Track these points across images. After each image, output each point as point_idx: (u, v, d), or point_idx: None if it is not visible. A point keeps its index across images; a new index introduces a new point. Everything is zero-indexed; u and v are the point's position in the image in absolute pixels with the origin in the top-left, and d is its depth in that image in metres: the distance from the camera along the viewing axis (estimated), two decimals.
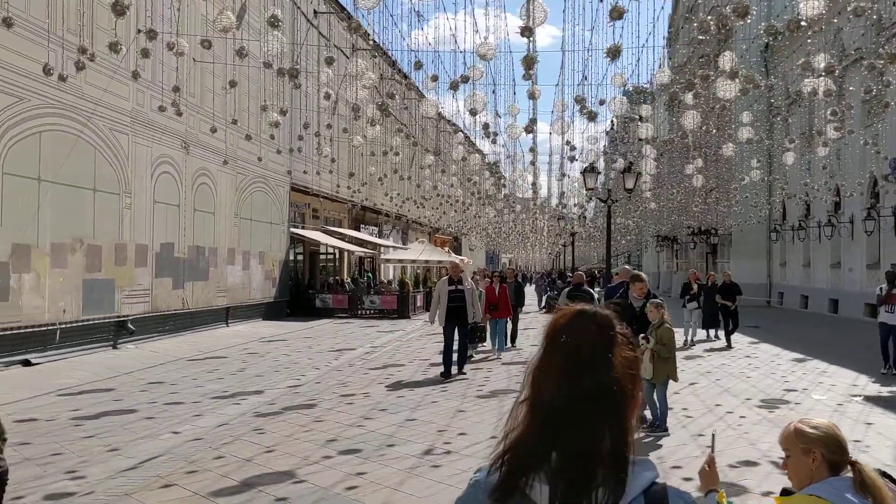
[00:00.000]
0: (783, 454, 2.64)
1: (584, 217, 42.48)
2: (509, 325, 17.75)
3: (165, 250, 19.71)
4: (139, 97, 18.05)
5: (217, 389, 12.15)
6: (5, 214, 13.76)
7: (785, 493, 2.62)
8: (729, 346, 18.23)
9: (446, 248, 42.19)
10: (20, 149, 14.13)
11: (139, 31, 13.22)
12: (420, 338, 20.81)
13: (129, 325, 17.66)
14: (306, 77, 15.37)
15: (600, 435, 1.40)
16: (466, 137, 30.61)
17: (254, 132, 21.19)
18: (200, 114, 20.93)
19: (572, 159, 20.91)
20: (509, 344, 17.87)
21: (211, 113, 21.18)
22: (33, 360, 14.15)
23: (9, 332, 13.84)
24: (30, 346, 14.37)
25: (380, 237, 41.01)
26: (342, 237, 33.54)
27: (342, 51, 25.03)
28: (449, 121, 30.56)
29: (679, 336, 17.56)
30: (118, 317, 17.42)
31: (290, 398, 11.35)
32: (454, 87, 12.52)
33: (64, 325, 15.38)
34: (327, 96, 15.24)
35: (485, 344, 16.59)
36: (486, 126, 16.74)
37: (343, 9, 27.95)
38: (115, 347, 17.08)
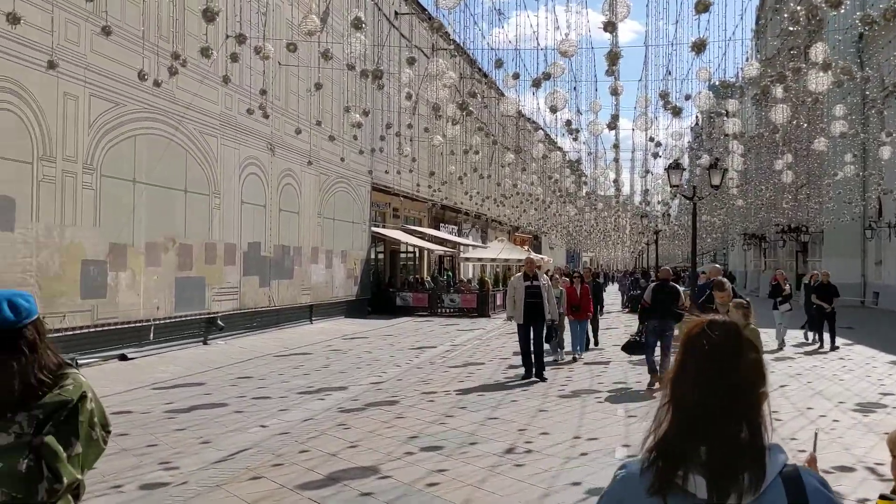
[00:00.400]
0: (882, 459, 2.55)
1: (668, 215, 41.63)
2: (590, 327, 17.55)
3: (252, 249, 20.26)
4: (227, 101, 18.61)
5: (302, 385, 12.42)
6: (103, 215, 14.39)
7: (884, 498, 2.52)
8: (834, 347, 17.49)
9: (526, 247, 42.02)
10: (117, 152, 14.75)
11: (228, 36, 13.62)
12: (500, 336, 20.79)
13: (219, 322, 18.25)
14: (389, 78, 15.55)
15: (738, 428, 1.63)
16: (547, 135, 30.38)
17: (336, 133, 21.57)
18: (285, 116, 21.42)
19: (656, 156, 20.51)
20: (592, 345, 17.65)
21: (295, 115, 21.68)
22: (129, 355, 14.75)
23: (107, 329, 14.47)
24: (126, 342, 14.99)
25: (459, 236, 41.14)
26: (422, 236, 33.78)
27: (422, 51, 25.20)
28: (529, 119, 30.40)
29: (770, 339, 17.11)
30: (208, 314, 18.01)
31: (372, 395, 11.51)
32: (536, 84, 12.44)
33: (158, 322, 15.99)
34: (408, 96, 15.39)
35: (561, 350, 16.14)
36: (567, 123, 16.60)
37: (424, 9, 28.15)
38: (205, 343, 17.66)
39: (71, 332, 13.22)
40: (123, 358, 14.60)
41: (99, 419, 2.60)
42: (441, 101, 14.44)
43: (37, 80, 12.65)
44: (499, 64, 13.00)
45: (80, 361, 12.76)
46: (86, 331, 13.85)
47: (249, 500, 6.25)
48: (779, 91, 12.97)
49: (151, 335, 15.77)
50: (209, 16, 10.11)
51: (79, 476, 2.50)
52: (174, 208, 16.72)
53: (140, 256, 15.51)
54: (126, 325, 15.03)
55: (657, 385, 11.81)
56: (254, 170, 20.32)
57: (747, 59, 15.54)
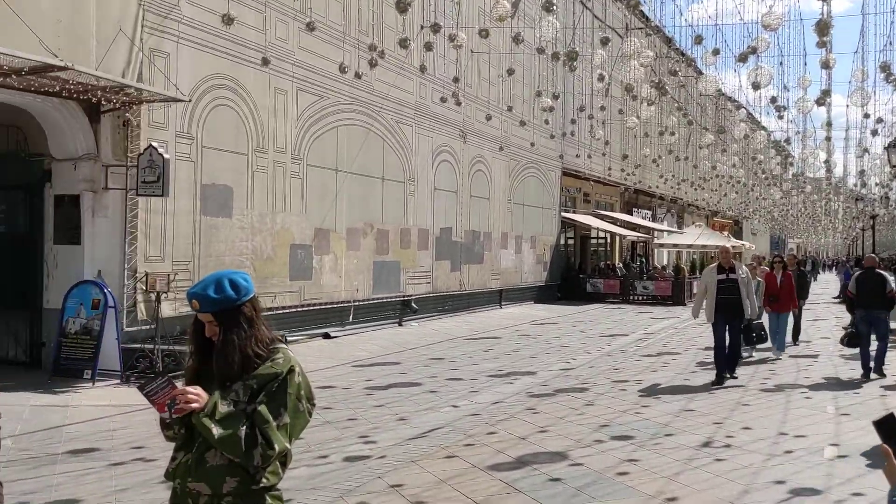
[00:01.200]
0: None
1: (888, 198, 38.03)
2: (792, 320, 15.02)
3: (444, 234, 20.79)
4: (422, 90, 19.16)
5: (492, 368, 12.60)
6: (309, 202, 15.33)
7: None
8: None
9: (725, 233, 40.02)
10: (320, 143, 15.64)
11: (422, 26, 14.01)
12: (696, 326, 19.95)
13: (413, 305, 18.92)
14: (581, 61, 15.34)
15: None
16: (749, 114, 28.72)
17: (527, 118, 21.59)
18: (476, 103, 21.74)
19: (875, 133, 18.77)
20: (790, 340, 15.05)
21: (486, 102, 21.94)
22: (332, 334, 15.66)
23: (313, 308, 15.44)
24: (329, 321, 15.93)
25: (653, 221, 39.92)
26: (614, 221, 33.12)
27: (616, 31, 24.62)
28: (730, 97, 28.87)
29: None
30: (403, 296, 18.73)
31: (561, 380, 11.46)
32: (742, 59, 11.77)
33: (357, 303, 16.85)
34: (601, 78, 15.10)
35: (753, 347, 13.66)
36: (772, 100, 15.61)
37: None
38: (400, 325, 18.39)
39: (281, 311, 14.22)
40: (327, 336, 15.51)
41: (305, 392, 2.77)
42: (635, 82, 14.04)
43: (251, 77, 13.66)
44: (698, 40, 12.45)
45: (288, 338, 13.71)
46: (294, 310, 14.85)
47: (443, 478, 6.43)
48: None
49: (351, 315, 16.65)
50: (402, 6, 10.45)
51: (287, 445, 2.68)
52: (372, 195, 17.50)
53: (342, 241, 16.39)
54: (329, 306, 15.96)
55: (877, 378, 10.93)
56: (446, 157, 20.81)
57: None
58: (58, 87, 9.90)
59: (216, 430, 2.57)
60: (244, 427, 2.59)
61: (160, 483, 6.27)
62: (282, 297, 14.55)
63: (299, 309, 15.06)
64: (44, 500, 5.86)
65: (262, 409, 2.62)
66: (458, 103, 15.64)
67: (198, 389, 2.65)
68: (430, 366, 12.91)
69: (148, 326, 11.34)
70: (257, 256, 13.92)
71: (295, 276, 14.93)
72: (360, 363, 13.06)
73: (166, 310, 11.39)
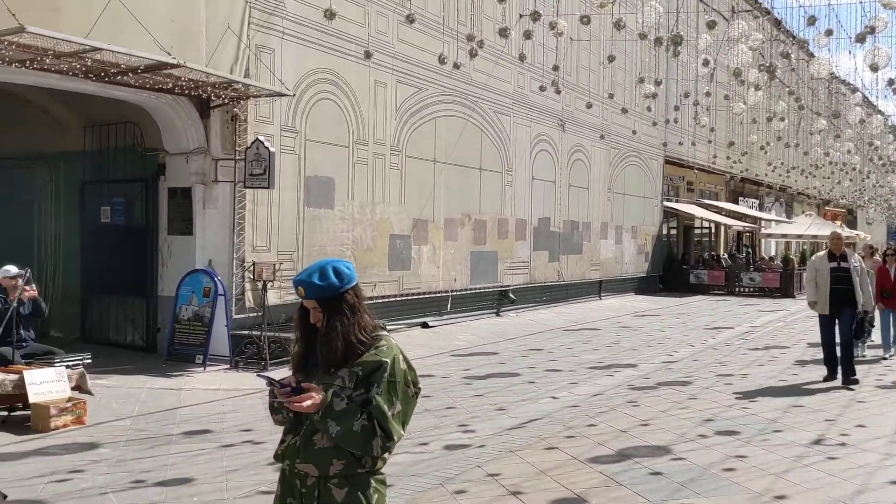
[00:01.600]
0: None
1: None
2: None
3: (542, 224, 20.65)
4: (520, 79, 19.04)
5: (592, 360, 12.46)
6: (407, 193, 15.51)
7: None
8: None
9: (838, 222, 38.17)
10: (419, 134, 15.79)
11: (521, 15, 13.92)
12: (807, 319, 19.14)
13: (510, 295, 18.90)
14: (685, 46, 14.90)
15: None
16: (865, 98, 27.25)
17: (628, 105, 21.16)
18: (576, 91, 21.45)
19: None
20: None
21: (586, 90, 21.63)
22: (430, 323, 15.82)
23: (411, 298, 15.63)
24: (427, 311, 16.09)
25: (760, 210, 38.46)
26: (718, 210, 32.11)
27: (721, 14, 23.78)
28: (844, 81, 27.48)
29: None
30: (500, 286, 18.73)
31: (663, 373, 11.22)
32: (860, 39, 11.17)
33: (455, 293, 16.95)
34: (706, 63, 14.63)
35: (872, 339, 13.06)
36: (890, 83, 14.76)
37: None
38: (497, 315, 18.40)
39: (380, 300, 14.46)
40: (425, 325, 15.67)
41: (411, 378, 2.82)
42: (743, 66, 13.54)
43: (353, 70, 13.90)
44: (811, 21, 11.88)
45: (388, 327, 13.94)
46: (393, 299, 15.08)
47: (542, 468, 6.41)
48: None
49: (449, 305, 16.76)
50: None
51: (402, 432, 2.73)
52: (470, 186, 17.55)
53: (440, 231, 16.51)
54: (427, 296, 16.12)
55: None
56: (544, 146, 20.63)
57: None
58: (171, 84, 10.34)
59: (334, 428, 2.64)
60: (359, 421, 2.65)
61: (268, 465, 6.50)
62: (381, 286, 14.78)
63: (398, 298, 15.27)
64: (159, 479, 6.17)
65: (378, 400, 2.67)
66: (558, 91, 15.47)
67: (312, 392, 2.70)
68: (528, 356, 12.87)
69: (255, 314, 11.74)
70: (358, 246, 14.19)
71: (394, 265, 15.14)
72: (458, 352, 13.14)
73: (272, 298, 11.75)
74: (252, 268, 11.67)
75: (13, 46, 8.25)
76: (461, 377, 10.80)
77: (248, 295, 11.92)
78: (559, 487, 5.95)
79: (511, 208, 19.18)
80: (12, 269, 8.38)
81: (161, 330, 11.90)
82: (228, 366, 11.00)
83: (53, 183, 13.52)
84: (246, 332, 11.49)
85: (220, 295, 11.14)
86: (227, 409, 8.76)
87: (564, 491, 5.87)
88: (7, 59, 8.63)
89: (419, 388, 2.87)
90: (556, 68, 14.46)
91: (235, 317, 11.62)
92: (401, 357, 2.80)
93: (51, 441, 7.24)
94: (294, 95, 12.40)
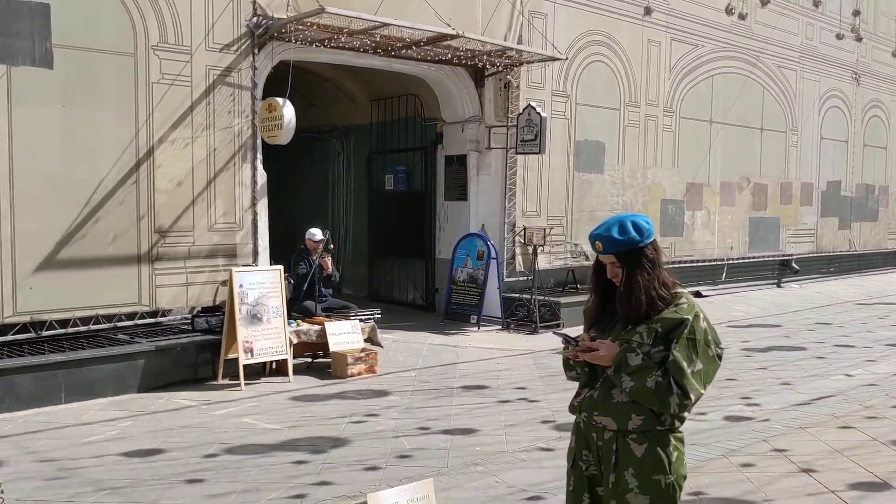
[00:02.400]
0: None
1: None
2: None
3: (831, 188, 18.88)
4: (808, 30, 17.40)
5: (890, 336, 11.23)
6: (681, 156, 14.89)
7: None
8: None
9: None
10: (694, 94, 15.04)
11: None
12: None
13: (794, 265, 17.56)
14: None
15: None
16: None
17: None
18: (874, 41, 19.18)
19: None
20: None
21: (886, 38, 19.30)
22: (704, 293, 15.14)
23: (684, 266, 15.04)
24: (702, 279, 15.41)
25: None
26: None
27: None
28: None
29: None
30: (782, 255, 17.44)
31: None
32: None
33: (731, 262, 16.05)
34: None
35: None
36: None
37: None
38: (778, 286, 17.18)
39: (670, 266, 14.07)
40: (698, 295, 15.02)
41: (713, 337, 2.71)
42: None
43: (626, 30, 13.54)
44: None
45: None
46: (665, 266, 14.58)
47: (836, 448, 5.91)
48: None
49: (724, 274, 15.93)
50: None
51: (702, 391, 2.64)
52: (749, 147, 16.45)
53: (715, 196, 15.69)
54: (701, 264, 15.43)
55: None
56: (835, 102, 18.74)
57: None
58: (449, 55, 10.77)
59: (627, 383, 2.62)
60: (653, 377, 2.60)
61: (543, 423, 6.67)
62: None
63: (670, 266, 14.70)
64: (444, 427, 6.54)
65: (676, 356, 2.61)
66: (859, 39, 13.85)
67: (604, 346, 2.70)
68: (815, 330, 11.89)
69: (525, 278, 11.99)
70: (628, 211, 13.90)
71: (665, 231, 14.65)
72: (735, 323, 12.47)
73: (542, 262, 11.92)
74: (523, 232, 11.90)
75: (314, 27, 9.06)
76: (740, 349, 10.24)
77: (519, 259, 12.19)
78: (857, 468, 5.45)
79: (796, 171, 17.73)
80: (318, 233, 9.32)
81: (439, 290, 12.58)
82: (500, 327, 11.37)
83: (344, 154, 14.73)
84: (516, 295, 11.78)
85: (493, 258, 11.52)
86: (501, 367, 9.07)
87: (864, 473, 5.37)
88: (309, 40, 9.49)
89: (722, 349, 2.75)
90: (856, 13, 12.98)
91: (506, 280, 11.95)
92: (702, 315, 2.71)
93: (348, 386, 7.98)
94: (567, 59, 12.35)
